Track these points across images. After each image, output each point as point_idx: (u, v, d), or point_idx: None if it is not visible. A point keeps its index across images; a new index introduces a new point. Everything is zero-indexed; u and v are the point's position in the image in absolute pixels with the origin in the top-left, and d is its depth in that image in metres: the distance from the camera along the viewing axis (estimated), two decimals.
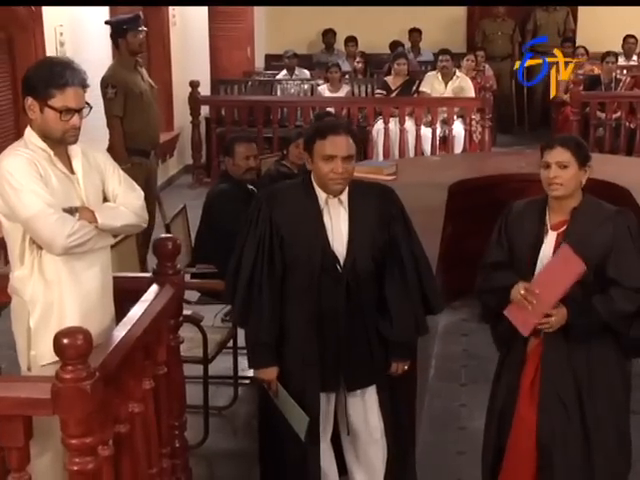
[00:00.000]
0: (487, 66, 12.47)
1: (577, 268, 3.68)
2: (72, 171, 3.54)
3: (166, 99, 10.74)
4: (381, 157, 10.19)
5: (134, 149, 7.02)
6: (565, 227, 3.82)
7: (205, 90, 11.42)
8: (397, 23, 13.47)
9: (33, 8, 7.40)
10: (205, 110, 10.92)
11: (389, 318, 3.86)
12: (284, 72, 12.29)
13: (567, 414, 3.80)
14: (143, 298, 3.71)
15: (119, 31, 6.92)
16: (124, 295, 3.86)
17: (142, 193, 3.76)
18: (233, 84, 12.25)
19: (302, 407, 3.82)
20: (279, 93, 11.88)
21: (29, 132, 3.52)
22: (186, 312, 4.74)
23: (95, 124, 7.34)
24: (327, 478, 4.04)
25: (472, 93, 10.63)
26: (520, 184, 6.60)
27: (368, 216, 3.83)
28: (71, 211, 3.43)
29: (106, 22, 7.06)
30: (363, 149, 10.37)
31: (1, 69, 7.42)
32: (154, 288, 3.83)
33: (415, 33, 13.49)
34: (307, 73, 12.35)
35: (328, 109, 10.58)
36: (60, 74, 3.43)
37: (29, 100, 3.48)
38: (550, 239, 3.84)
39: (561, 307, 3.73)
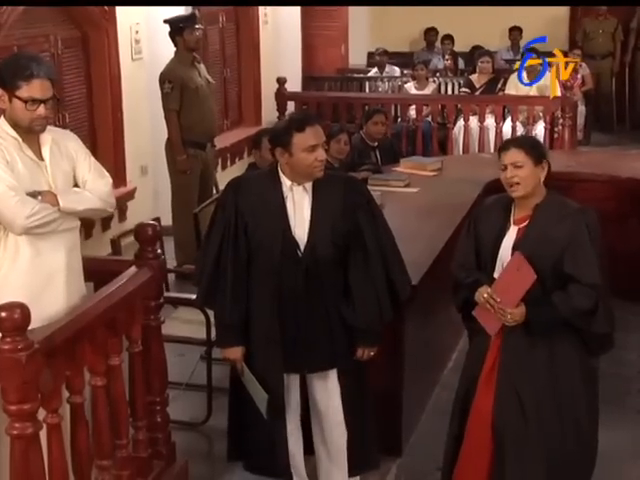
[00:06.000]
0: (584, 65, 12.34)
1: (528, 277, 3.79)
2: (41, 158, 3.82)
3: (254, 95, 11.07)
4: (461, 154, 10.24)
5: (190, 141, 7.36)
6: (527, 222, 3.92)
7: (296, 87, 11.69)
8: (498, 21, 13.41)
9: (106, 7, 7.78)
10: (292, 106, 11.16)
11: (352, 304, 4.02)
12: (375, 69, 12.45)
13: (521, 405, 3.88)
14: (116, 279, 3.98)
15: (176, 29, 7.25)
16: (106, 276, 4.10)
17: (110, 180, 4.02)
18: (323, 81, 12.49)
19: (266, 386, 4.02)
20: (368, 90, 12.05)
21: (2, 121, 3.80)
22: (191, 296, 5.02)
23: (156, 116, 7.77)
24: (294, 457, 4.21)
25: (557, 92, 10.53)
26: (561, 183, 6.57)
27: (332, 204, 3.99)
28: (34, 195, 3.72)
29: (165, 21, 7.38)
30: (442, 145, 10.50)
31: (76, 65, 7.82)
32: (130, 270, 4.09)
33: (515, 31, 13.39)
34: (397, 70, 12.46)
35: (412, 107, 10.75)
36: (26, 66, 3.68)
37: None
38: (511, 233, 3.95)
39: (520, 304, 3.83)
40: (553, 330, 3.86)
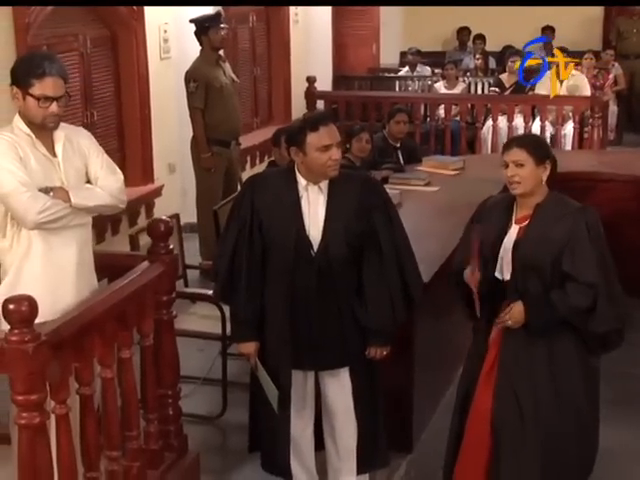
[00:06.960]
0: (616, 64, 12.31)
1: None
2: (54, 154, 3.91)
3: (284, 94, 11.16)
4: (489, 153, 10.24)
5: (215, 139, 7.46)
6: (527, 222, 3.95)
7: (327, 86, 11.75)
8: (531, 21, 13.38)
9: (135, 7, 7.89)
10: (321, 105, 11.22)
11: (365, 305, 4.05)
12: (406, 69, 12.48)
13: (518, 404, 3.91)
14: (127, 274, 4.05)
15: (202, 28, 7.35)
16: (120, 272, 4.17)
17: (122, 177, 4.10)
18: (354, 80, 12.55)
19: (276, 382, 4.07)
20: (398, 90, 12.09)
21: (17, 118, 3.89)
22: (207, 291, 5.11)
23: (184, 115, 7.86)
24: (305, 454, 4.28)
25: (587, 92, 10.50)
26: (583, 182, 6.64)
27: (347, 204, 4.01)
28: (46, 190, 3.80)
29: (190, 20, 7.47)
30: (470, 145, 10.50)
31: (105, 64, 7.93)
32: (142, 265, 4.16)
33: (548, 31, 13.36)
34: (428, 70, 12.49)
35: (440, 107, 10.77)
36: (39, 65, 3.78)
37: (14, 89, 3.84)
38: (512, 232, 3.98)
39: (518, 303, 3.87)
40: (552, 329, 3.89)
